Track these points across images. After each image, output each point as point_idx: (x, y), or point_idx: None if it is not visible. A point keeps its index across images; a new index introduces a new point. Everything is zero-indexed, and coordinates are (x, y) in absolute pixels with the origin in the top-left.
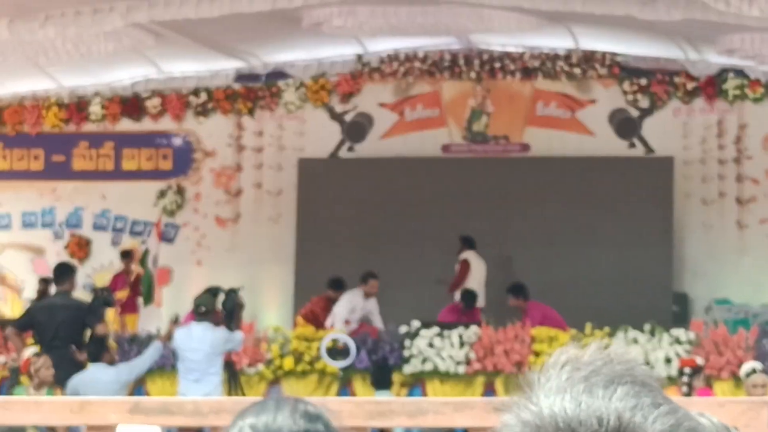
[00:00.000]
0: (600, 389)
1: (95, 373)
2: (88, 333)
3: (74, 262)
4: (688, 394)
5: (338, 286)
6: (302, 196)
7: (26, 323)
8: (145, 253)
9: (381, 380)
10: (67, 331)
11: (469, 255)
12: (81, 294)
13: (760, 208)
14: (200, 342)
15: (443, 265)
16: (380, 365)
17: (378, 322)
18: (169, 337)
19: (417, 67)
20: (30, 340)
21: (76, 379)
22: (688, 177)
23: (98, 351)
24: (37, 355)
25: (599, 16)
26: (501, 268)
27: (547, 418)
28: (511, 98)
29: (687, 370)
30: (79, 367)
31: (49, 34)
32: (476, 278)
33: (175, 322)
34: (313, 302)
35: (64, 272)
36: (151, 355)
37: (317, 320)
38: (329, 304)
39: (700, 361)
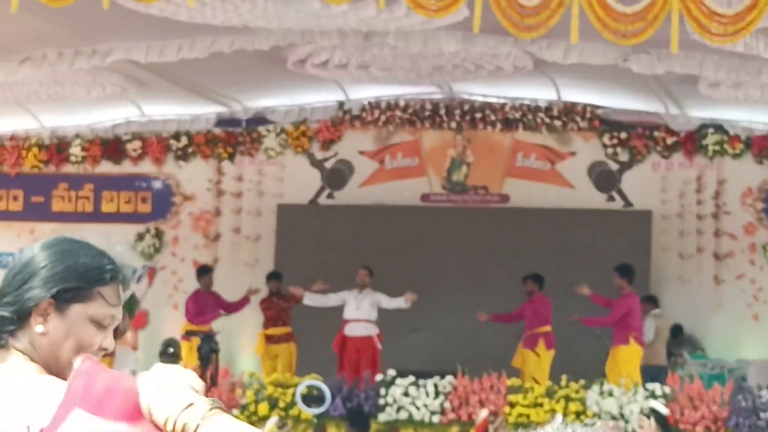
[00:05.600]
0: None
1: None
2: None
3: None
4: None
5: (273, 276)
6: (280, 242)
7: None
8: (131, 297)
9: (359, 423)
10: None
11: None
12: None
13: (737, 263)
14: None
15: (420, 313)
16: (356, 412)
17: (392, 303)
18: None
19: (398, 115)
20: None
21: None
22: (666, 231)
23: None
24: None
25: (583, 67)
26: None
27: None
28: (491, 149)
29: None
30: None
31: (29, 74)
32: None
33: None
34: (263, 308)
35: None
36: None
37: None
38: (274, 299)
39: (665, 411)
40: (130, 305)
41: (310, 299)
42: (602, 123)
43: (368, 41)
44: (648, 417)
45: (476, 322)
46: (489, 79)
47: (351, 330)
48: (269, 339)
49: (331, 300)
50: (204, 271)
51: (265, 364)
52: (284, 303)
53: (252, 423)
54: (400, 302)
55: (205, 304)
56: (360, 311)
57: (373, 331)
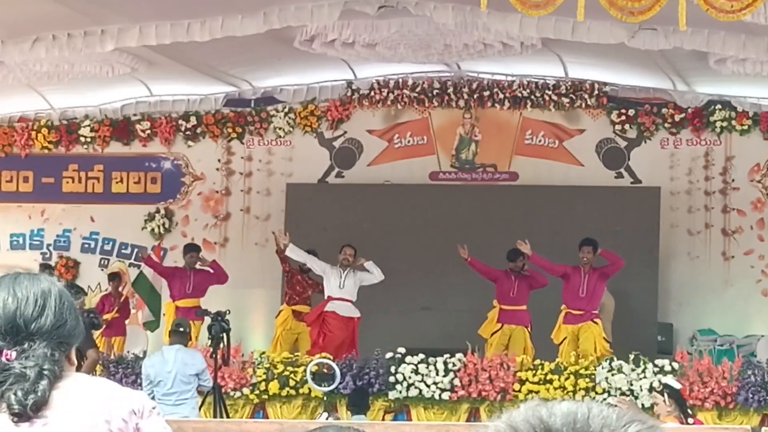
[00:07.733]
0: None
1: None
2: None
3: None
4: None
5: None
6: (290, 221)
7: None
8: (139, 275)
9: (359, 405)
10: None
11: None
12: None
13: (745, 239)
14: (174, 364)
15: (430, 292)
16: (358, 389)
17: (375, 278)
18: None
19: (406, 94)
20: None
21: None
22: (674, 208)
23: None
24: None
25: (590, 44)
26: (488, 296)
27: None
28: (500, 127)
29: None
30: None
31: (40, 56)
32: None
33: None
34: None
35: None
36: None
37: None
38: (298, 276)
39: (677, 385)
40: (142, 285)
41: (293, 251)
42: (610, 100)
43: (376, 14)
44: (661, 393)
45: (486, 300)
46: (497, 58)
47: (336, 308)
48: (297, 315)
49: (314, 263)
50: (188, 249)
51: (286, 336)
52: (309, 281)
53: (262, 401)
54: (378, 273)
55: (180, 282)
56: (344, 290)
57: (355, 313)
